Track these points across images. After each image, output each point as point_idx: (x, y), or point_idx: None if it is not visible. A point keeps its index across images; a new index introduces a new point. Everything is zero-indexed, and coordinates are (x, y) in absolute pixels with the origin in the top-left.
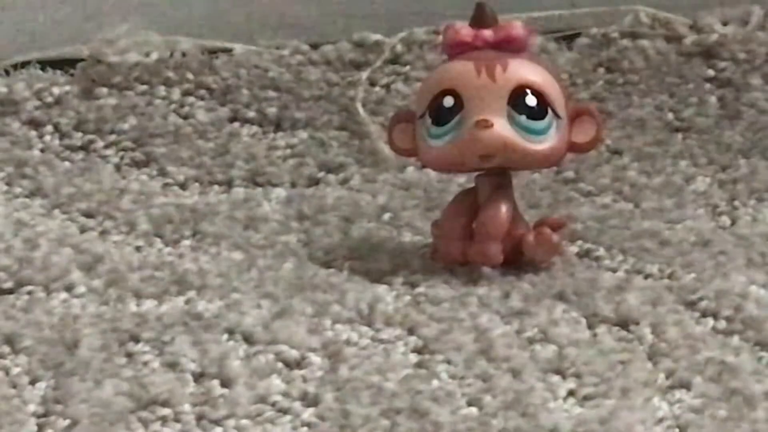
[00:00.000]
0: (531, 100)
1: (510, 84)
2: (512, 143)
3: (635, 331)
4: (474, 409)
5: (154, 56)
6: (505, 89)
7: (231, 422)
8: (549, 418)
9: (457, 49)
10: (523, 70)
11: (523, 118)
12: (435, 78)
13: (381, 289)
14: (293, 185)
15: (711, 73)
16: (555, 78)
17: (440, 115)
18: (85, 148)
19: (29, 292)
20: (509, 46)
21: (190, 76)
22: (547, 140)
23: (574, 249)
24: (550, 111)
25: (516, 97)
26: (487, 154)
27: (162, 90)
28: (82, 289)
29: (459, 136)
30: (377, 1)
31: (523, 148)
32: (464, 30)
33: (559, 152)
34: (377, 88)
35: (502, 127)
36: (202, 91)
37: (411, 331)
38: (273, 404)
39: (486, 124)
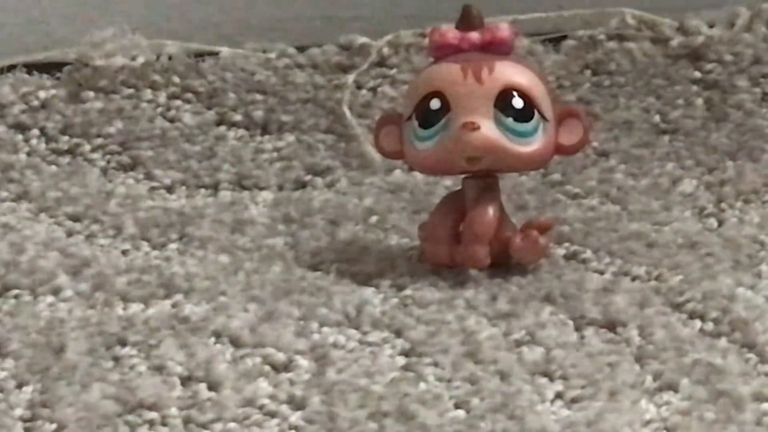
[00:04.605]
0: (518, 102)
1: (496, 86)
2: (499, 145)
3: (622, 333)
4: (461, 412)
5: (141, 60)
6: (491, 91)
7: (218, 426)
8: (536, 420)
9: (443, 52)
10: (510, 72)
11: (509, 120)
12: (421, 80)
13: (368, 291)
14: (280, 188)
15: (697, 74)
16: (542, 80)
17: (427, 118)
18: (71, 151)
19: (16, 296)
20: (496, 48)
21: (176, 79)
22: (534, 142)
23: (561, 251)
24: (536, 113)
25: (503, 99)
26: (473, 157)
27: (148, 93)
28: (68, 292)
29: (446, 138)
30: (363, 3)
31: (510, 151)
32: (450, 32)
33: (545, 154)
34: (364, 91)
35: (488, 129)
36: (189, 95)
37: (398, 334)
38: (260, 407)
39: (473, 127)
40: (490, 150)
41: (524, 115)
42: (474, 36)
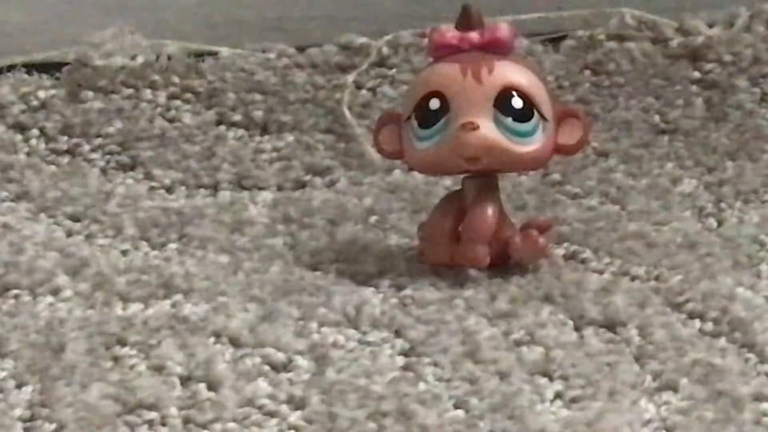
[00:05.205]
0: (517, 102)
1: (496, 86)
2: (498, 145)
3: (622, 333)
4: (461, 412)
5: (140, 60)
6: (491, 91)
7: (218, 426)
8: (536, 420)
9: (442, 52)
10: (509, 72)
11: (509, 120)
12: (421, 80)
13: (367, 291)
14: (280, 188)
15: (697, 75)
16: (541, 80)
17: (426, 118)
18: (71, 151)
19: (15, 296)
20: (495, 48)
21: (176, 79)
22: (534, 142)
23: (560, 251)
24: (536, 113)
25: (502, 99)
26: (473, 157)
27: (148, 93)
28: (68, 292)
29: (445, 138)
30: (363, 3)
31: (510, 151)
32: (450, 32)
33: (545, 154)
34: (363, 91)
35: (488, 130)
36: (188, 95)
37: (398, 334)
38: (260, 407)
39: (472, 127)
40: (490, 150)
41: (524, 115)
42: (473, 36)
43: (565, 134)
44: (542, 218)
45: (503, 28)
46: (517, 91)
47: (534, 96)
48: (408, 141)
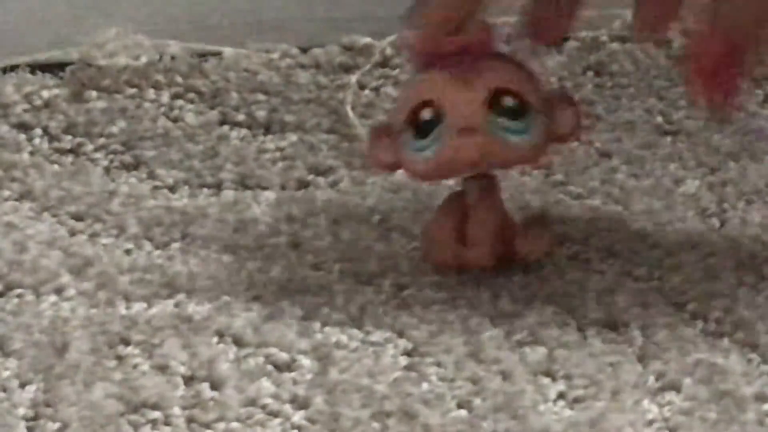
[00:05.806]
0: (509, 101)
1: (486, 88)
2: (496, 147)
3: (625, 333)
4: (464, 412)
5: (144, 60)
6: (482, 94)
7: (221, 425)
8: (539, 420)
9: (427, 59)
10: (498, 72)
11: (503, 119)
12: (410, 90)
13: (370, 291)
14: (283, 188)
15: None
16: (529, 72)
17: (421, 128)
18: (74, 151)
19: (18, 296)
20: (480, 50)
21: (179, 79)
22: (530, 137)
23: (563, 251)
24: (529, 108)
25: (494, 101)
26: (472, 162)
27: (151, 93)
28: (71, 292)
29: (442, 146)
30: (366, 4)
31: (508, 150)
32: (431, 38)
33: (542, 147)
34: (367, 92)
35: (484, 133)
36: (192, 95)
37: (400, 334)
38: (263, 407)
39: (468, 133)
40: (488, 153)
41: (517, 112)
42: (457, 39)
43: (560, 123)
44: (538, 212)
45: (486, 28)
46: (508, 90)
47: (525, 91)
48: (405, 152)
